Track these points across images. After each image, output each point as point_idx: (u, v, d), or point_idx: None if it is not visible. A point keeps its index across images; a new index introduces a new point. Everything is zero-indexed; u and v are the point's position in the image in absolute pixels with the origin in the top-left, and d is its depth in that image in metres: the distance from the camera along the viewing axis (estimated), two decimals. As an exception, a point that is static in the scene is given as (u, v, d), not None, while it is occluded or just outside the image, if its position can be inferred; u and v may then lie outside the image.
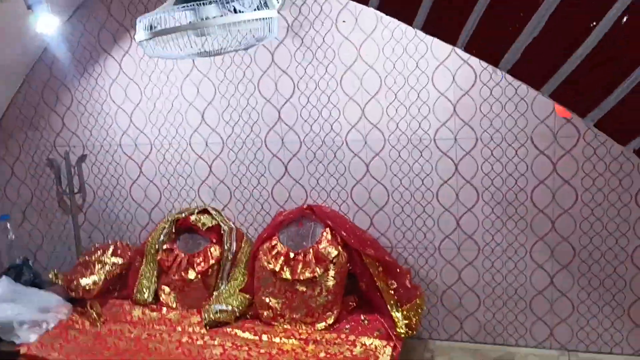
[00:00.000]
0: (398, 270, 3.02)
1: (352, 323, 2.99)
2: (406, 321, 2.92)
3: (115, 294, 3.45)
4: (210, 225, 3.27)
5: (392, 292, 2.98)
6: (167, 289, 3.33)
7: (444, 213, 3.01)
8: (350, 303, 3.12)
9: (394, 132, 2.95)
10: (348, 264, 3.04)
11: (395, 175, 3.02)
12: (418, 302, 2.96)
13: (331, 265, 3.00)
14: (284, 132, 3.12)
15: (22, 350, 2.98)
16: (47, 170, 3.63)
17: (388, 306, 2.97)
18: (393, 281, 3.00)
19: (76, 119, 3.47)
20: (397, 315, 2.95)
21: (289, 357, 2.77)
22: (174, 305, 3.30)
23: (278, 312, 3.05)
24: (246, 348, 2.87)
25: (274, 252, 3.09)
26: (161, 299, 3.33)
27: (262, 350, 2.84)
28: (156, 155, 3.39)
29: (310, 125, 3.07)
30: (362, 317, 3.01)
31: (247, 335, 2.99)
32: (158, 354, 2.88)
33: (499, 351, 3.09)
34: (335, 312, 3.02)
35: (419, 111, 2.88)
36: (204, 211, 3.34)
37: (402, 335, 2.91)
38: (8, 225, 3.64)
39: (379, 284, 2.99)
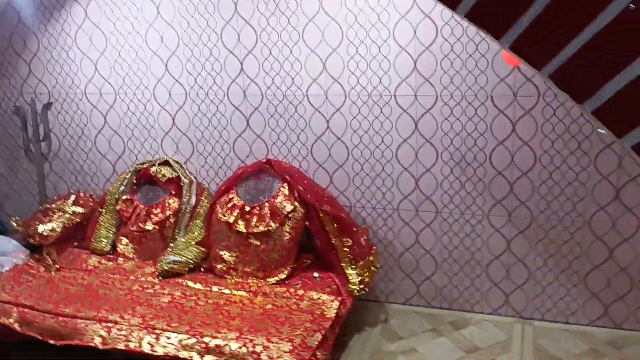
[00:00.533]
0: (354, 228, 2.97)
1: (305, 279, 2.95)
2: (359, 278, 2.88)
3: (75, 243, 3.43)
4: (170, 177, 3.25)
5: (347, 249, 2.94)
6: (124, 240, 3.31)
7: (403, 173, 2.96)
8: (306, 261, 3.08)
9: (355, 87, 2.89)
10: (305, 221, 3.00)
11: (355, 132, 2.97)
12: (371, 259, 2.92)
13: (286, 220, 2.96)
14: (245, 85, 3.07)
15: (-27, 290, 2.98)
16: (14, 118, 3.61)
17: (342, 263, 2.93)
18: (348, 239, 2.96)
19: (42, 66, 3.44)
20: (350, 272, 2.91)
21: (236, 307, 2.74)
22: (131, 256, 3.28)
23: (231, 266, 3.03)
24: (195, 298, 2.85)
25: (230, 205, 3.06)
26: (118, 249, 3.31)
27: (210, 301, 2.82)
28: (120, 106, 3.36)
29: (272, 78, 3.02)
30: (316, 275, 2.98)
31: (198, 286, 2.96)
32: (106, 299, 2.86)
33: (454, 316, 3.05)
34: (288, 267, 2.98)
35: (380, 66, 2.82)
36: (165, 163, 3.31)
37: (355, 293, 2.87)
38: (-27, 171, 3.64)
39: (334, 241, 2.95)
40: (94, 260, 3.28)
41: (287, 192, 3.00)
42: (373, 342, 2.89)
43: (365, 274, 2.89)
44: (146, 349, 2.52)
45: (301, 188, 2.97)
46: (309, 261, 3.08)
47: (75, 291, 2.98)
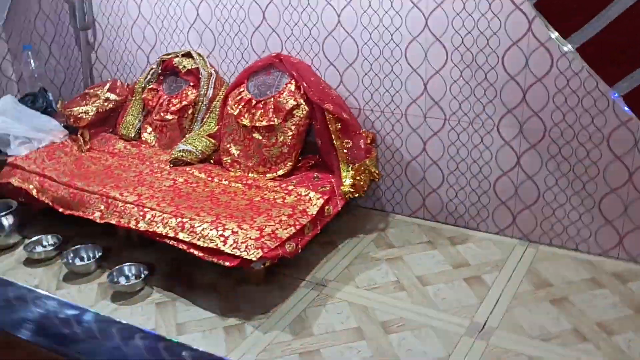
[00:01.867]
0: (356, 131, 2.86)
1: (303, 178, 2.91)
2: (351, 181, 2.80)
3: (110, 129, 3.63)
4: (190, 68, 3.28)
5: (346, 151, 2.85)
6: (149, 128, 3.44)
7: (412, 74, 2.76)
8: (310, 161, 3.03)
9: (366, -22, 2.70)
10: (309, 119, 2.93)
11: (365, 27, 2.79)
12: (367, 163, 2.81)
13: (289, 117, 2.91)
14: (262, -26, 2.98)
15: (10, 160, 3.27)
16: (65, 6, 3.80)
17: (340, 165, 2.86)
18: (349, 140, 2.86)
19: (86, -46, 3.55)
20: (345, 174, 2.83)
21: (227, 197, 2.78)
22: (153, 144, 3.41)
23: (236, 159, 3.05)
24: (194, 185, 2.92)
25: (238, 98, 3.05)
26: (143, 137, 3.46)
27: (207, 189, 2.88)
28: (152, -5, 3.42)
29: (286, -33, 2.90)
30: (315, 175, 2.92)
31: (202, 175, 3.03)
32: (116, 178, 3.01)
33: (456, 233, 2.88)
34: (288, 164, 2.96)
35: (391, -47, 2.60)
36: (188, 55, 3.34)
37: (346, 194, 2.80)
38: (30, 55, 3.90)
39: (335, 142, 2.87)
40: (120, 144, 3.46)
41: (293, 88, 2.92)
42: (362, 247, 2.82)
43: (358, 177, 2.80)
44: (132, 225, 2.65)
45: (306, 85, 2.88)
46: (313, 162, 3.03)
47: (95, 169, 3.17)
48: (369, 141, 2.91)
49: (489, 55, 2.53)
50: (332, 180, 2.87)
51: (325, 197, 2.71)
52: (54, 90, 4.09)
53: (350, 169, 2.83)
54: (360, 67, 2.88)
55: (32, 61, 3.92)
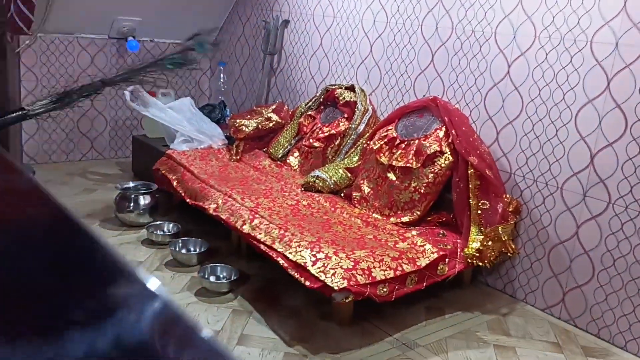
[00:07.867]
0: (499, 194, 2.52)
1: (426, 231, 2.62)
2: (478, 245, 2.44)
3: (265, 148, 3.70)
4: (348, 100, 3.23)
5: (480, 212, 2.52)
6: (296, 153, 3.43)
7: (578, 143, 2.36)
8: (441, 217, 2.73)
9: (547, 28, 2.41)
10: (451, 171, 2.66)
11: (535, 82, 2.48)
12: (500, 230, 2.43)
13: (429, 163, 2.67)
14: (440, 17, 2.85)
15: (169, 151, 3.49)
16: (262, 32, 4.06)
17: (471, 226, 2.52)
18: (486, 201, 2.53)
19: (290, -15, 3.78)
20: (474, 236, 2.49)
21: (340, 228, 2.60)
22: (296, 168, 3.39)
23: (365, 196, 2.87)
24: (315, 210, 2.80)
25: (383, 135, 2.90)
26: (288, 160, 3.45)
27: (325, 217, 2.73)
28: (334, 29, 3.48)
29: (465, 10, 2.73)
30: (442, 232, 2.62)
31: (326, 204, 2.89)
32: (247, 187, 3.02)
33: (594, 344, 2.32)
34: (415, 213, 2.69)
35: (582, 3, 2.29)
36: (351, 88, 3.31)
37: (469, 259, 2.45)
38: (222, 70, 4.22)
39: (471, 200, 2.55)
40: (267, 162, 3.49)
41: (441, 134, 2.69)
42: (472, 324, 2.40)
43: (487, 243, 2.42)
44: (238, 225, 2.60)
45: (455, 133, 2.63)
46: (444, 219, 2.72)
47: (234, 177, 3.23)
48: (510, 209, 2.54)
49: (680, 133, 2.06)
50: (458, 241, 2.54)
51: (442, 253, 2.38)
52: (233, 107, 4.36)
53: (480, 232, 2.48)
54: (521, 126, 2.55)
55: (222, 76, 4.24)
